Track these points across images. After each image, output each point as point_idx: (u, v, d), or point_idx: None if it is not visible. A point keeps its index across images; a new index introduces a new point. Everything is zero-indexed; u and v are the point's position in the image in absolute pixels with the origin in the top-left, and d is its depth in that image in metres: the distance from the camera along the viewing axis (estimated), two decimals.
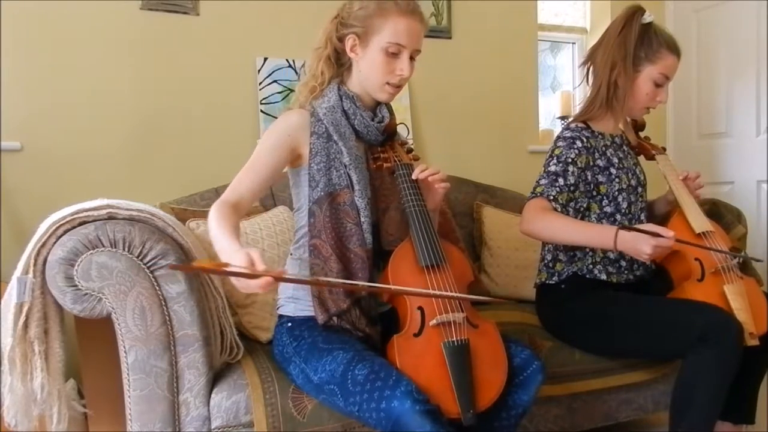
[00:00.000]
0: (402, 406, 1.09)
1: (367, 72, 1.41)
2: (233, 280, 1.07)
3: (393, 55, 1.38)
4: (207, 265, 1.05)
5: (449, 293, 1.29)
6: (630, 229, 1.48)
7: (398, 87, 1.43)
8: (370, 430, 1.19)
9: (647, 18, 1.68)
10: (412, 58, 1.41)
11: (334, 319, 1.33)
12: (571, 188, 1.65)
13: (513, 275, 2.24)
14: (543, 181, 1.65)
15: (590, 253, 1.70)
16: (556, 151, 1.68)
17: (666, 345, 1.52)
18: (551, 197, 1.62)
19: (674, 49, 1.70)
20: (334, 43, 1.43)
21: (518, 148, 2.87)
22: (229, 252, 1.10)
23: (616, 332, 1.61)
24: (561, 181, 1.63)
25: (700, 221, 1.68)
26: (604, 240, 1.53)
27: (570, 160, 1.65)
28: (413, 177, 1.40)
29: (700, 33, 3.11)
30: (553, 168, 1.65)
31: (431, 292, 1.29)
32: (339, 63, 1.46)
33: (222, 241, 1.14)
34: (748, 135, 2.93)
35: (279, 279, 1.05)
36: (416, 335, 1.27)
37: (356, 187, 1.37)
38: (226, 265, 1.04)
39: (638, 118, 1.80)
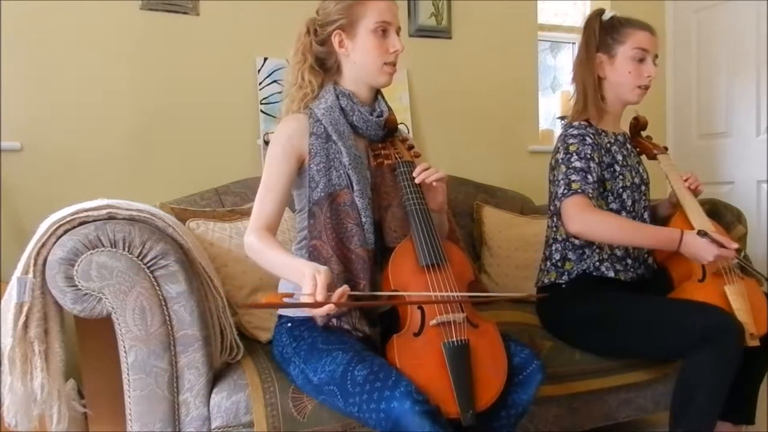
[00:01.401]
0: (401, 406, 1.09)
1: (363, 59, 1.41)
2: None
3: (382, 34, 1.40)
4: (276, 301, 1.15)
5: (455, 293, 1.29)
6: (703, 234, 1.52)
7: (395, 66, 1.44)
8: (370, 430, 1.19)
9: (608, 14, 1.75)
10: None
11: (333, 320, 1.33)
12: (597, 184, 1.65)
13: (513, 275, 2.24)
14: (575, 177, 1.63)
15: (597, 251, 1.70)
16: (572, 148, 1.66)
17: (666, 345, 1.52)
18: (590, 194, 1.61)
19: (641, 25, 1.72)
20: (315, 52, 1.45)
21: (518, 148, 2.87)
22: (298, 273, 1.17)
23: (616, 332, 1.61)
24: (590, 177, 1.63)
25: (701, 221, 1.67)
26: (669, 242, 1.57)
27: (589, 155, 1.65)
28: (414, 179, 1.39)
29: (700, 33, 3.11)
30: (578, 164, 1.64)
31: (447, 294, 1.28)
32: (324, 69, 1.47)
33: (286, 264, 1.24)
34: (748, 135, 2.93)
35: (341, 304, 1.12)
36: (416, 335, 1.27)
37: (356, 187, 1.37)
38: (290, 295, 1.15)
39: (635, 101, 1.76)
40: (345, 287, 1.14)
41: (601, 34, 1.73)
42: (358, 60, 1.42)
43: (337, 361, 1.22)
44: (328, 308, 1.10)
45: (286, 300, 1.14)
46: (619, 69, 1.71)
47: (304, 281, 1.14)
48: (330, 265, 1.32)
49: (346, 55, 1.43)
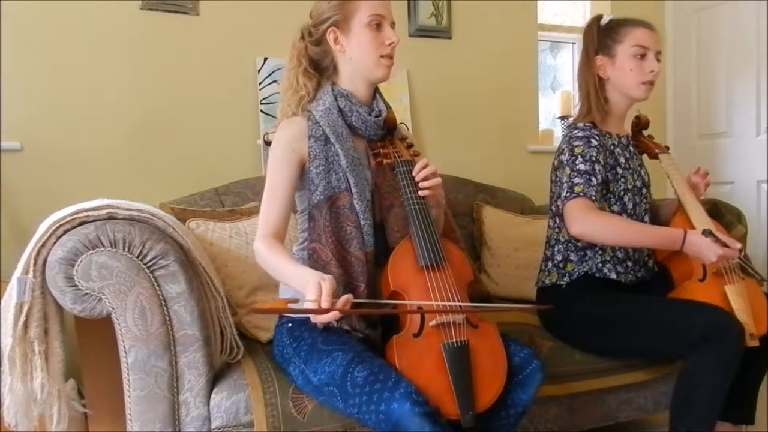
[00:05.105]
0: (401, 408, 1.09)
1: (359, 54, 1.41)
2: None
3: (377, 27, 1.40)
4: (280, 306, 1.20)
5: (455, 303, 1.28)
6: (708, 234, 1.54)
7: (392, 58, 1.44)
8: (370, 431, 1.19)
9: (605, 19, 1.77)
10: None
11: (334, 323, 1.32)
12: (600, 187, 1.66)
13: (513, 275, 2.24)
14: (578, 180, 1.63)
15: (600, 252, 1.70)
16: (577, 150, 1.66)
17: (667, 345, 1.52)
18: (592, 197, 1.61)
19: (639, 23, 1.73)
20: (309, 54, 1.46)
21: (518, 148, 2.87)
22: (302, 281, 1.18)
23: (616, 332, 1.61)
24: (594, 180, 1.63)
25: (703, 220, 1.67)
26: (672, 242, 1.59)
27: (594, 158, 1.65)
28: (413, 178, 1.38)
29: (700, 33, 3.11)
30: (582, 167, 1.64)
31: (440, 304, 1.28)
32: (319, 70, 1.48)
33: (291, 272, 1.25)
34: (748, 135, 2.93)
35: (345, 311, 1.14)
36: (416, 336, 1.26)
37: (354, 190, 1.37)
38: (296, 301, 1.15)
39: (642, 97, 1.76)
40: (349, 295, 1.15)
41: (599, 37, 1.75)
42: (355, 55, 1.41)
43: (337, 361, 1.22)
44: (333, 315, 1.11)
45: (291, 305, 1.14)
46: (621, 68, 1.72)
47: (307, 289, 1.14)
48: (329, 269, 1.33)
49: (342, 52, 1.43)
